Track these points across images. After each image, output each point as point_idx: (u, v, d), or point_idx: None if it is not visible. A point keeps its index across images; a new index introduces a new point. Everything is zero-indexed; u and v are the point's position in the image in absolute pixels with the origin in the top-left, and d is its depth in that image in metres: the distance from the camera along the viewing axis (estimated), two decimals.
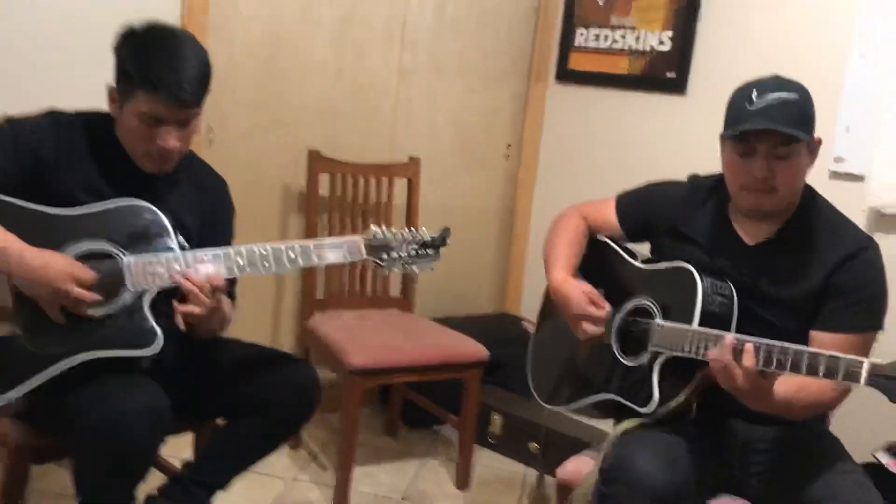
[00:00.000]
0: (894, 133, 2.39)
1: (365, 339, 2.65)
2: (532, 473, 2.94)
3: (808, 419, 1.81)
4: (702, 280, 1.75)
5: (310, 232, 2.92)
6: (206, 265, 1.74)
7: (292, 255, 1.80)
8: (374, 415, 3.34)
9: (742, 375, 1.55)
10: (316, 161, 2.87)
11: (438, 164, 3.35)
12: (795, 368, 1.50)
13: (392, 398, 3.18)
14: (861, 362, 1.42)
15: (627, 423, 1.78)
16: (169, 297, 1.82)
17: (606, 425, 2.00)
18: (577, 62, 3.46)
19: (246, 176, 2.90)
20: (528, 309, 3.47)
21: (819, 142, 1.78)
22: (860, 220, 2.24)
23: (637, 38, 3.21)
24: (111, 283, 1.68)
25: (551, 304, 2.06)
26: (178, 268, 1.72)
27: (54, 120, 1.75)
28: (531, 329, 2.22)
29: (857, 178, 2.49)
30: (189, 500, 1.91)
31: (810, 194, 1.85)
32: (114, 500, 1.68)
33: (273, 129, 2.98)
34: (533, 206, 3.68)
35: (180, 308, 1.71)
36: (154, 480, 1.95)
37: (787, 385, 1.65)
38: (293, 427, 1.97)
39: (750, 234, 1.84)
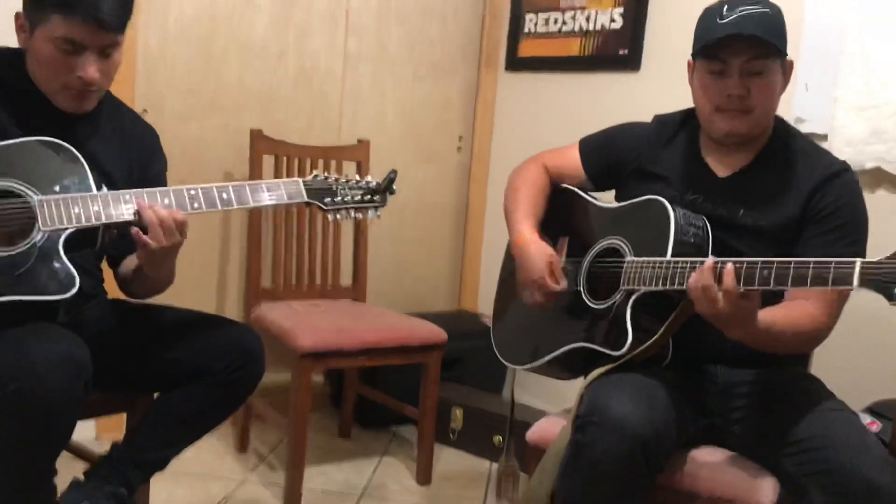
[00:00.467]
0: (852, 89, 2.33)
1: (315, 322, 2.48)
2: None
3: (790, 359, 1.70)
4: (674, 210, 1.64)
5: (253, 220, 2.75)
6: (166, 200, 1.58)
7: (225, 196, 1.64)
8: (326, 417, 3.16)
9: (723, 297, 1.42)
10: (258, 141, 2.72)
11: (388, 155, 3.22)
12: (781, 281, 1.38)
13: (345, 397, 2.99)
14: (852, 262, 1.30)
15: (599, 370, 1.64)
16: (88, 250, 1.64)
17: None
18: (527, 49, 3.38)
19: (184, 162, 2.73)
20: (486, 305, 3.34)
21: (791, 64, 1.71)
22: None
23: (588, 18, 3.14)
24: (20, 224, 1.50)
25: (513, 260, 1.93)
26: (96, 208, 1.54)
27: None
28: (489, 324, 2.07)
29: (821, 137, 2.42)
30: (121, 481, 1.70)
31: (783, 124, 1.78)
32: (29, 469, 1.48)
33: (212, 112, 2.83)
34: (487, 199, 3.56)
35: (141, 236, 1.54)
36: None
37: (772, 312, 1.54)
38: (237, 395, 1.79)
39: (722, 165, 1.74)
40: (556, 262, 1.77)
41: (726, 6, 1.64)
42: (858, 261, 1.29)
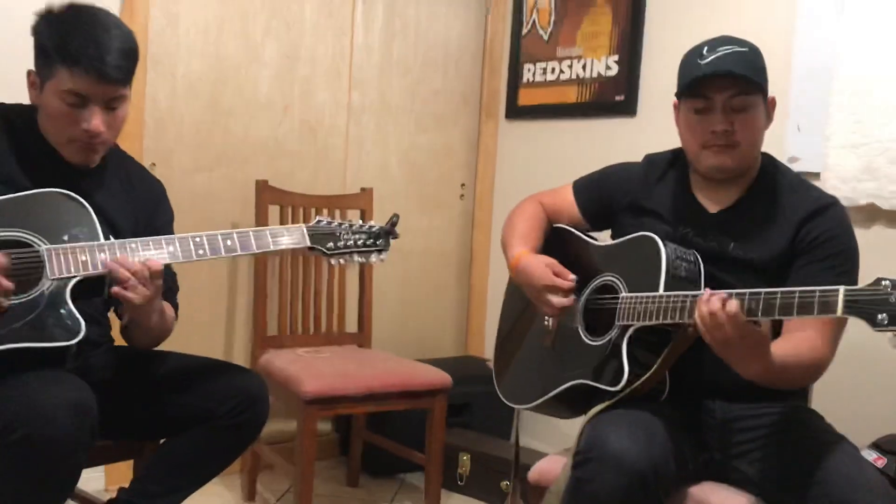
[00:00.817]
0: (842, 127, 2.38)
1: (319, 369, 2.51)
2: None
3: (788, 393, 1.72)
4: (665, 245, 1.68)
5: (259, 267, 2.80)
6: (145, 251, 1.62)
7: (229, 243, 1.69)
8: (335, 465, 3.16)
9: (728, 322, 1.43)
10: (264, 191, 2.78)
11: (393, 203, 3.27)
12: (768, 311, 1.41)
13: (353, 446, 3.00)
14: (836, 290, 1.32)
15: (598, 407, 1.66)
16: (97, 299, 1.69)
17: None
18: (526, 97, 3.46)
19: (192, 214, 2.79)
20: (492, 350, 3.35)
21: (773, 101, 1.76)
22: None
23: (584, 67, 3.22)
24: (29, 273, 1.55)
25: (513, 298, 1.96)
26: (103, 256, 1.59)
27: None
28: None
29: (814, 175, 2.46)
30: None
31: (770, 160, 1.82)
32: None
33: (219, 165, 2.90)
34: (491, 245, 3.60)
35: (115, 290, 1.57)
36: None
37: (777, 346, 1.55)
38: (242, 439, 1.81)
39: (713, 201, 1.78)
40: (555, 262, 1.80)
41: (706, 47, 1.70)
42: (842, 288, 1.32)
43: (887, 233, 2.35)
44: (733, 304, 1.42)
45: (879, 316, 1.27)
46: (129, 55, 1.65)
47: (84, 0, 1.68)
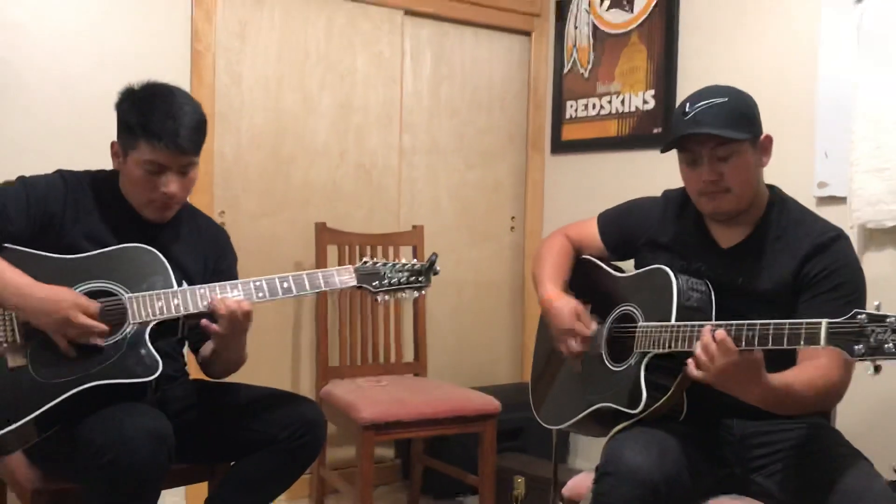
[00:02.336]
0: (866, 152, 2.46)
1: (376, 397, 2.70)
2: None
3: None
4: (676, 278, 1.81)
5: (320, 304, 3.02)
6: (235, 291, 1.86)
7: (286, 285, 1.90)
8: (397, 490, 3.34)
9: (718, 350, 1.55)
10: (322, 233, 3.01)
11: (444, 239, 3.47)
12: (763, 342, 1.53)
13: (413, 470, 3.18)
14: (819, 323, 1.45)
15: (619, 427, 1.80)
16: (172, 339, 1.92)
17: None
18: (569, 132, 3.63)
19: (258, 255, 3.04)
20: None
21: (768, 139, 1.86)
22: (852, 239, 2.28)
23: (622, 101, 3.37)
24: (114, 318, 1.79)
25: (546, 327, 2.12)
26: (177, 301, 1.82)
27: (62, 177, 1.91)
28: None
29: (841, 199, 2.56)
30: None
31: (779, 196, 1.91)
32: None
33: (281, 210, 3.15)
34: None
35: (211, 326, 1.83)
36: None
37: (785, 374, 1.66)
38: (302, 461, 2.00)
39: (725, 237, 1.90)
40: (582, 309, 1.96)
41: (689, 103, 1.81)
42: (824, 321, 1.44)
43: None
44: (720, 332, 1.56)
45: (857, 347, 1.39)
46: (200, 129, 1.90)
47: (159, 78, 1.94)
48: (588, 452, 3.49)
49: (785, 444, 1.78)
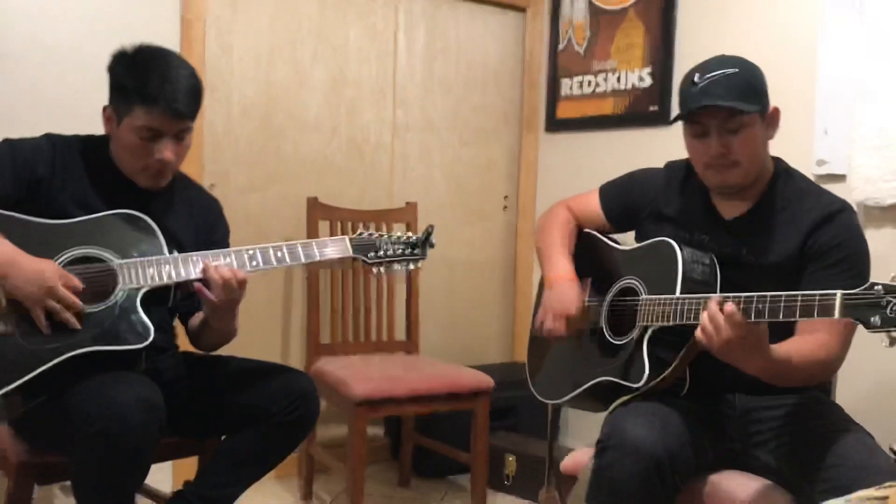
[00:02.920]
0: (867, 130, 2.44)
1: (368, 373, 2.66)
2: None
3: (809, 386, 1.79)
4: (681, 249, 1.78)
5: (312, 280, 2.98)
6: (227, 259, 1.81)
7: (279, 254, 1.86)
8: (386, 469, 3.31)
9: (726, 323, 1.52)
10: (314, 208, 2.96)
11: (437, 217, 3.43)
12: (774, 314, 1.51)
13: (403, 448, 3.15)
14: (834, 294, 1.42)
15: (620, 400, 1.77)
16: (163, 309, 1.88)
17: None
18: (564, 110, 3.59)
19: (248, 229, 2.99)
20: None
21: (776, 111, 1.83)
22: None
23: (619, 79, 3.33)
24: (104, 284, 1.74)
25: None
26: (168, 268, 1.77)
27: (51, 141, 1.85)
28: None
29: (840, 177, 2.54)
30: None
31: (784, 168, 1.89)
32: (113, 501, 1.68)
33: (272, 184, 3.09)
34: (534, 255, 3.71)
35: (205, 292, 1.77)
36: None
37: (786, 345, 1.65)
38: (295, 435, 1.97)
39: (729, 207, 1.87)
40: (580, 311, 1.94)
41: (697, 73, 1.77)
42: (839, 292, 1.41)
43: None
44: (729, 306, 1.52)
45: (873, 318, 1.37)
46: (197, 93, 1.85)
47: (142, 35, 1.88)
48: (579, 431, 3.47)
49: (786, 418, 1.76)
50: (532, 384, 2.14)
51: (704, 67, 1.78)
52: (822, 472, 1.60)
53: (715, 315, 1.55)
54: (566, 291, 1.96)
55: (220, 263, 1.80)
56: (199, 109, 1.87)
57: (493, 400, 2.78)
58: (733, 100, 1.72)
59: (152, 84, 1.77)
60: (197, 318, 1.99)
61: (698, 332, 1.58)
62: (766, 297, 1.53)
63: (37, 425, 1.77)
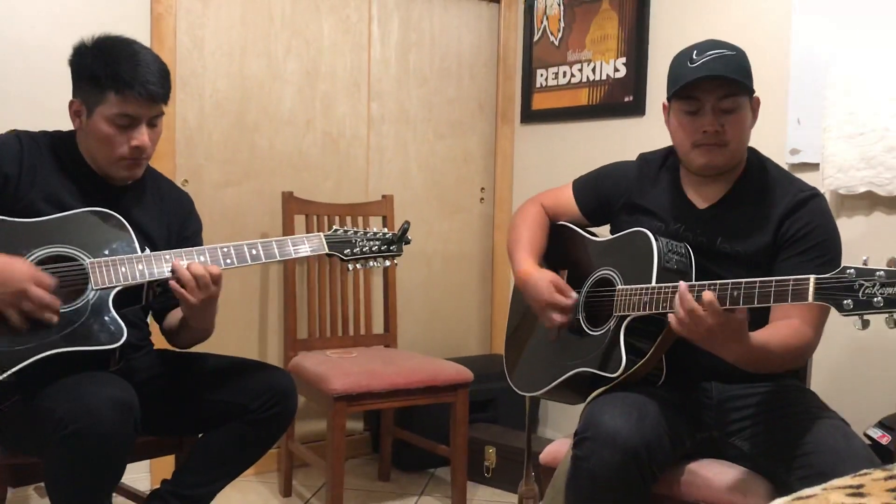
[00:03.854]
0: (839, 119, 2.46)
1: (346, 368, 2.65)
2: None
3: (782, 373, 1.81)
4: (656, 240, 1.79)
5: (288, 274, 2.96)
6: (202, 258, 1.79)
7: (254, 252, 1.84)
8: (366, 463, 3.31)
9: (706, 313, 1.53)
10: (289, 202, 2.94)
11: (414, 210, 3.42)
12: (748, 300, 1.52)
13: (383, 442, 3.14)
14: (807, 279, 1.43)
15: (597, 392, 1.77)
16: (136, 306, 1.85)
17: None
18: (539, 102, 3.58)
19: (223, 225, 2.97)
20: None
21: (758, 101, 1.86)
22: None
23: (593, 70, 3.33)
24: (75, 284, 1.71)
25: (520, 295, 2.08)
26: (140, 267, 1.75)
27: (18, 138, 1.82)
28: None
29: (813, 166, 2.55)
30: None
31: (756, 155, 1.91)
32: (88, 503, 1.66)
33: (247, 179, 3.07)
34: None
35: (180, 290, 1.74)
36: None
37: (762, 333, 1.66)
38: (273, 432, 1.95)
39: (701, 197, 1.89)
40: (559, 280, 1.92)
41: (695, 51, 1.80)
42: (812, 277, 1.42)
43: (886, 219, 2.43)
44: (708, 294, 1.52)
45: (845, 302, 1.38)
46: (167, 76, 1.83)
47: (112, 31, 1.85)
48: (558, 423, 3.49)
49: (762, 406, 1.78)
50: (510, 377, 2.14)
51: (700, 47, 1.79)
52: (799, 458, 1.61)
53: (690, 303, 1.55)
54: (534, 285, 1.94)
55: (193, 261, 1.77)
56: (170, 93, 1.85)
57: (472, 392, 2.78)
58: (734, 76, 1.75)
59: (124, 69, 1.74)
60: (173, 316, 1.97)
61: (673, 321, 1.58)
62: (740, 283, 1.53)
63: (9, 427, 1.75)
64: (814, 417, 1.69)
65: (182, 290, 1.75)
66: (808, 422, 1.68)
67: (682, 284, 1.58)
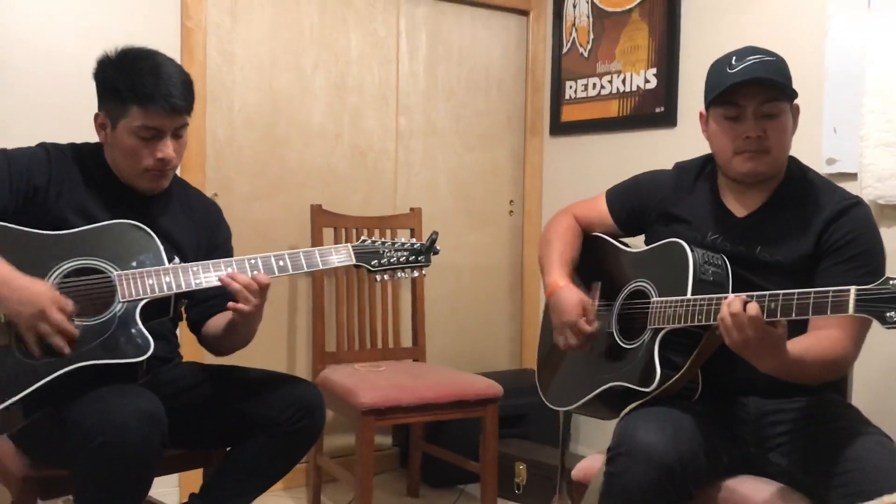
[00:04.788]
0: (877, 126, 2.40)
1: (375, 382, 2.63)
2: None
3: (822, 387, 1.76)
4: (692, 251, 1.75)
5: (317, 287, 2.95)
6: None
7: (281, 263, 1.83)
8: (395, 479, 3.28)
9: (749, 323, 1.48)
10: (318, 215, 2.93)
11: (442, 223, 3.40)
12: (786, 312, 1.47)
13: (412, 457, 3.11)
14: (847, 290, 1.38)
15: (631, 406, 1.73)
16: (165, 318, 1.85)
17: None
18: (569, 114, 3.55)
19: (253, 238, 2.96)
20: None
21: (797, 108, 1.82)
22: None
23: (623, 81, 3.30)
24: (102, 296, 1.71)
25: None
26: (168, 279, 1.75)
27: (46, 150, 1.82)
28: None
29: (851, 176, 2.50)
30: None
31: (796, 163, 1.87)
32: None
33: (276, 192, 3.07)
34: None
35: (231, 305, 1.76)
36: None
37: (799, 343, 1.61)
38: (300, 445, 1.93)
39: (740, 205, 1.84)
40: (588, 304, 1.88)
41: (734, 57, 1.76)
42: (853, 288, 1.38)
43: None
44: (754, 307, 1.48)
45: (888, 314, 1.33)
46: (190, 87, 1.83)
47: (137, 43, 1.86)
48: (590, 439, 3.43)
49: (801, 421, 1.73)
50: (542, 391, 2.10)
51: (739, 53, 1.76)
52: (841, 476, 1.56)
53: (738, 314, 1.50)
54: (561, 301, 1.91)
55: (221, 274, 1.77)
56: (193, 104, 1.85)
57: (502, 407, 2.75)
58: (778, 78, 1.72)
59: (146, 82, 1.75)
60: (213, 324, 1.96)
61: (719, 324, 1.53)
62: (778, 295, 1.49)
63: (38, 439, 1.75)
64: (856, 433, 1.64)
65: (236, 304, 1.76)
66: (850, 437, 1.63)
67: (731, 295, 1.54)
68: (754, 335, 1.49)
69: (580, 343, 1.86)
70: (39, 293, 1.62)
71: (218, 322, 1.96)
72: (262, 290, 1.78)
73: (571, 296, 1.90)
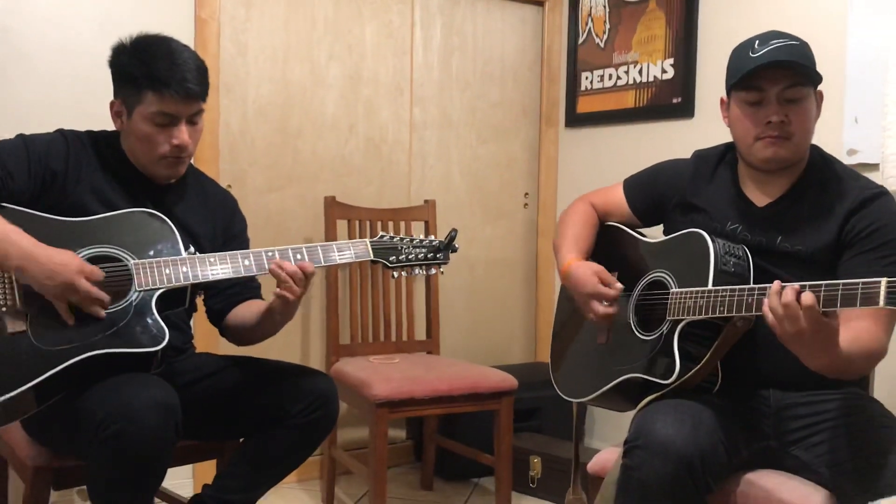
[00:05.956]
0: None
1: (388, 374, 2.61)
2: None
3: (846, 381, 1.72)
4: (713, 241, 1.72)
5: (331, 280, 2.94)
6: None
7: (299, 257, 1.81)
8: (409, 472, 3.26)
9: (804, 315, 1.42)
10: (332, 207, 2.92)
11: (456, 215, 3.38)
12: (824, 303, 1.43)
13: (426, 451, 3.10)
14: (878, 282, 1.35)
15: (649, 398, 1.71)
16: (180, 308, 1.84)
17: None
18: (584, 105, 3.52)
19: (267, 230, 2.95)
20: None
21: (821, 95, 1.78)
22: None
23: (640, 71, 3.27)
24: (119, 285, 1.70)
25: (566, 296, 2.03)
26: (185, 269, 1.74)
27: (63, 135, 1.82)
28: None
29: (873, 167, 2.46)
30: None
31: (818, 152, 1.83)
32: None
33: (290, 184, 3.05)
34: None
35: (276, 291, 1.77)
36: None
37: (842, 338, 1.54)
38: (314, 437, 1.92)
39: (761, 194, 1.81)
40: (603, 270, 1.85)
41: (757, 41, 1.73)
42: (884, 280, 1.34)
43: None
44: (809, 297, 1.41)
45: None
46: (204, 72, 1.82)
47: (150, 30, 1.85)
48: (604, 432, 3.41)
49: (825, 415, 1.69)
50: (556, 382, 2.08)
51: (763, 37, 1.72)
52: (866, 471, 1.53)
53: (791, 304, 1.43)
54: (575, 275, 1.88)
55: (283, 262, 1.77)
56: (208, 89, 1.84)
57: (516, 401, 2.73)
58: (802, 61, 1.68)
59: (161, 68, 1.74)
60: (239, 314, 1.96)
61: (768, 314, 1.47)
62: (805, 286, 1.45)
63: (52, 428, 1.74)
64: (879, 427, 1.61)
65: (283, 293, 1.76)
66: (873, 431, 1.60)
67: (776, 282, 1.47)
68: (809, 327, 1.43)
69: (609, 312, 1.82)
70: (65, 263, 1.62)
71: (244, 311, 1.96)
72: (307, 279, 1.77)
73: (585, 268, 1.88)
